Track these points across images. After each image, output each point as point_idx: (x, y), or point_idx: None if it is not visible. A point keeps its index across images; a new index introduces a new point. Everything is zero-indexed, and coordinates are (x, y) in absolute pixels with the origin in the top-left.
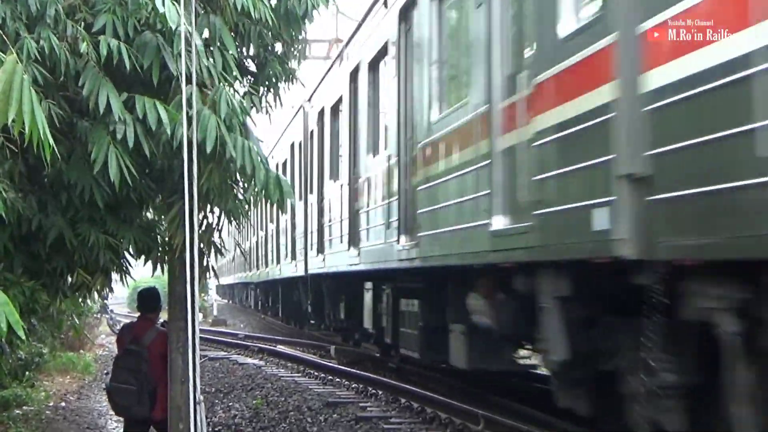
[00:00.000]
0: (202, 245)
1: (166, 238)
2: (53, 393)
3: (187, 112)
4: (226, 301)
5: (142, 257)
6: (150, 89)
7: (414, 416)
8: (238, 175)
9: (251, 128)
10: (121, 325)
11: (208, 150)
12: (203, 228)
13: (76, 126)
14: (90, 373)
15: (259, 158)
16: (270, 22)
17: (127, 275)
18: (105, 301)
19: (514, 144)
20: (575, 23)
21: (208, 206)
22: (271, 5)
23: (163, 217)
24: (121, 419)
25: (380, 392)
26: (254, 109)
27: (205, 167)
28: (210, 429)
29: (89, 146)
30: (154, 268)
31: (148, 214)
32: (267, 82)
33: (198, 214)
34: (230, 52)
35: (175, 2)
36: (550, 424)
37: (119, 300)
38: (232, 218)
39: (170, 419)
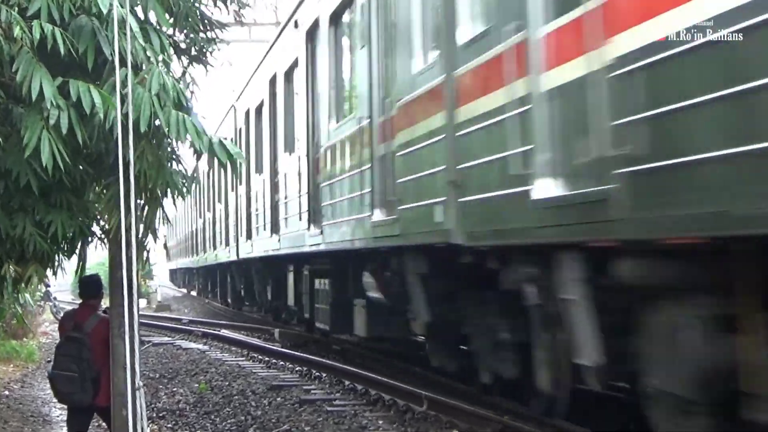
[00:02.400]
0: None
1: (101, 222)
2: None
3: (122, 94)
4: (180, 291)
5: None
6: (86, 73)
7: (358, 398)
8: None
9: (192, 105)
10: (64, 312)
11: (142, 129)
12: (142, 211)
13: (11, 112)
14: (33, 361)
15: (196, 128)
16: None
17: (59, 266)
18: (48, 288)
19: (384, 153)
20: (422, 64)
21: (146, 188)
22: None
23: (100, 199)
24: (65, 407)
25: (324, 375)
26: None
27: (137, 146)
28: (154, 414)
29: (22, 131)
30: (80, 259)
31: (89, 197)
32: (200, 56)
33: (135, 198)
34: (165, 30)
35: None
36: (493, 404)
37: (63, 287)
38: (174, 194)
39: (113, 406)
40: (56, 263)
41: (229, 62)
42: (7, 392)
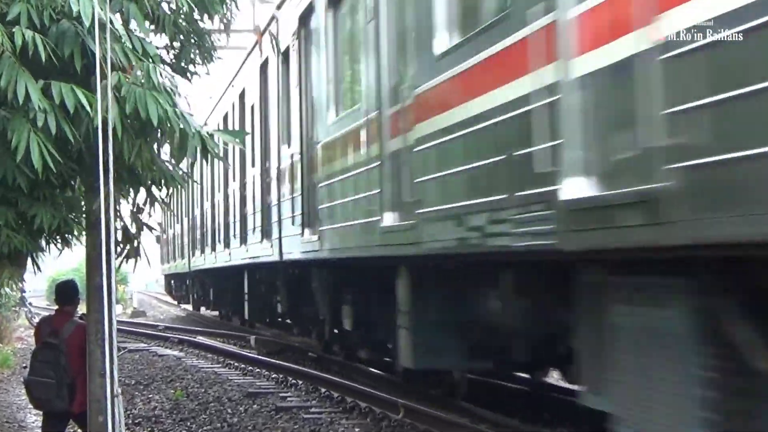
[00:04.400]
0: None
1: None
2: None
3: (105, 95)
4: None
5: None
6: (70, 77)
7: (334, 406)
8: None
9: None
10: (40, 318)
11: (155, 122)
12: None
13: None
14: (9, 367)
15: (187, 122)
16: (187, 8)
17: (35, 263)
18: (23, 294)
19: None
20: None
21: (139, 185)
22: None
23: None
24: (40, 413)
25: (300, 382)
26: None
27: (134, 144)
28: (130, 421)
29: (9, 134)
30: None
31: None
32: (186, 66)
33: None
34: (147, 40)
35: None
36: (470, 411)
37: (38, 293)
38: (170, 188)
39: (89, 412)
40: (34, 261)
41: (206, 72)
42: None
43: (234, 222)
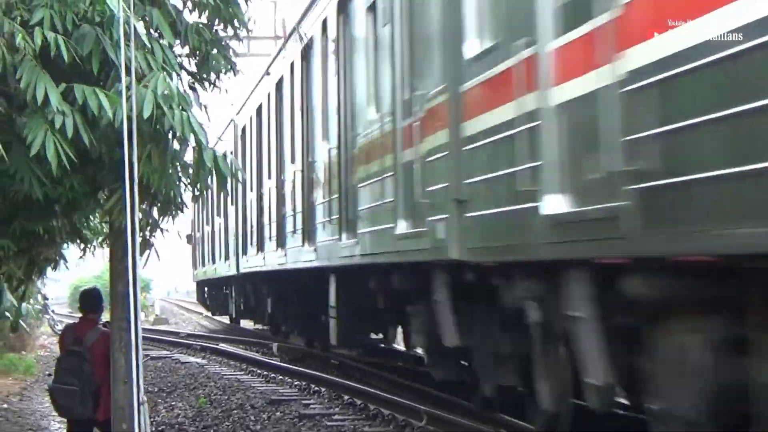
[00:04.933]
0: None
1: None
2: None
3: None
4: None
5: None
6: (88, 80)
7: (357, 413)
8: (181, 160)
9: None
10: (63, 325)
11: (145, 116)
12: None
13: (15, 122)
14: (32, 374)
15: (202, 132)
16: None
17: (56, 265)
18: (46, 301)
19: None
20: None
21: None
22: None
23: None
24: (64, 420)
25: (323, 389)
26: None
27: (144, 150)
28: (154, 428)
29: (25, 133)
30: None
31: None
32: (207, 76)
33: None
34: (169, 46)
35: None
36: (493, 419)
37: (60, 300)
38: (175, 204)
39: (113, 420)
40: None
41: (225, 90)
42: (6, 405)
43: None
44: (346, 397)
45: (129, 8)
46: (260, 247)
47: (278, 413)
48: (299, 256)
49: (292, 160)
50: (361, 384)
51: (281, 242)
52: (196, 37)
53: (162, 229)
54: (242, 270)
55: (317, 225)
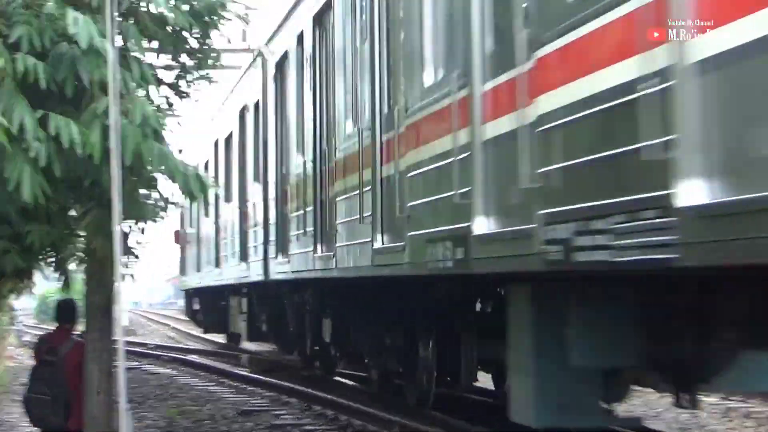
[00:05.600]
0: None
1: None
2: None
3: (105, 123)
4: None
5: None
6: (66, 101)
7: (328, 423)
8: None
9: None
10: (31, 336)
11: (128, 162)
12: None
13: None
14: (1, 386)
15: (175, 163)
16: (187, 25)
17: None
18: (14, 312)
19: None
20: None
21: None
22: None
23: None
24: (37, 430)
25: (294, 400)
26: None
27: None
28: None
29: (3, 164)
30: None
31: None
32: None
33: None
34: (145, 60)
35: (87, 19)
36: (465, 430)
37: (27, 311)
38: (145, 222)
39: (86, 430)
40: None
41: (196, 100)
42: None
43: None
44: (317, 408)
45: (105, 31)
46: (321, 243)
47: (249, 424)
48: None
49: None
50: (333, 395)
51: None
52: (174, 50)
53: (136, 255)
54: (275, 275)
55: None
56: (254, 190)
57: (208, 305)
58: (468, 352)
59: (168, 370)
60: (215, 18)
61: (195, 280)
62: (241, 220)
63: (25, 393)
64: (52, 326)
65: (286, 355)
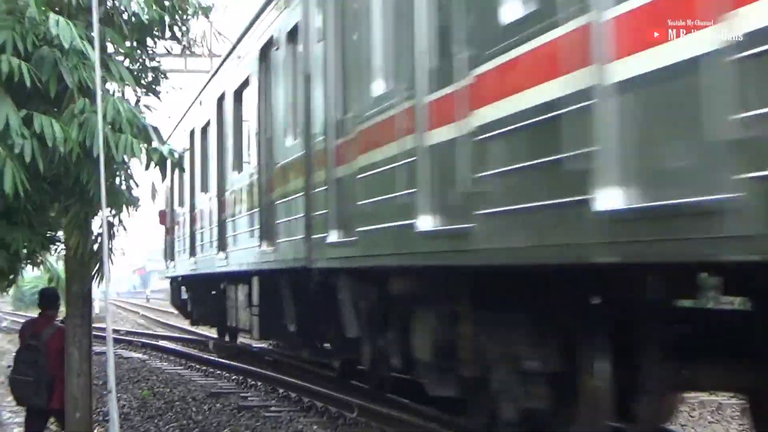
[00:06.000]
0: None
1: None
2: None
3: (80, 121)
4: None
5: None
6: (48, 101)
7: (292, 405)
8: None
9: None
10: (24, 321)
11: (95, 153)
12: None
13: None
14: None
15: (141, 148)
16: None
17: (16, 276)
18: None
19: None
20: None
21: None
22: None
23: (61, 217)
24: (15, 409)
25: (259, 383)
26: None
27: (91, 171)
28: (100, 418)
29: None
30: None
31: (49, 215)
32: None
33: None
34: (124, 62)
35: (68, 21)
36: (418, 411)
37: (3, 299)
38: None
39: (67, 409)
40: (15, 276)
41: (179, 87)
42: None
43: None
44: (281, 391)
45: (87, 35)
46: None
47: (218, 405)
48: None
49: None
50: (296, 378)
51: None
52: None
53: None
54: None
55: None
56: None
57: (198, 295)
58: None
59: (139, 355)
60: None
61: (186, 267)
62: (262, 190)
63: (10, 374)
64: (31, 314)
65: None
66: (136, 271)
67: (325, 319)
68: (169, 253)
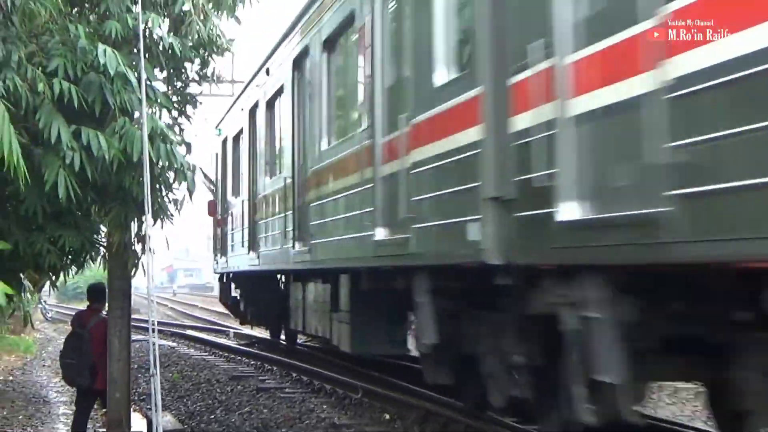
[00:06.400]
0: (135, 245)
1: (103, 240)
2: (1, 369)
3: (120, 134)
4: None
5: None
6: (93, 119)
7: (304, 387)
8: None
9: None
10: (75, 312)
11: (135, 159)
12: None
13: (32, 153)
14: (31, 353)
15: (180, 159)
16: (191, 55)
17: (67, 274)
18: (39, 294)
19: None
20: None
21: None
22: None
23: (104, 218)
24: (61, 390)
25: (275, 368)
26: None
27: (134, 177)
28: (136, 397)
29: (42, 169)
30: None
31: (93, 218)
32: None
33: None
34: (157, 88)
35: (114, 51)
36: (417, 393)
37: (46, 292)
38: (161, 217)
39: (108, 389)
40: (65, 274)
41: (205, 118)
42: (11, 378)
43: None
44: (294, 374)
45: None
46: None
47: (239, 387)
48: None
49: None
50: (307, 364)
51: None
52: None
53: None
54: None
55: None
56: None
57: (254, 294)
58: None
59: (169, 342)
60: (210, 48)
61: (244, 262)
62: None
63: (60, 358)
64: (75, 306)
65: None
66: (164, 269)
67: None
68: (220, 247)
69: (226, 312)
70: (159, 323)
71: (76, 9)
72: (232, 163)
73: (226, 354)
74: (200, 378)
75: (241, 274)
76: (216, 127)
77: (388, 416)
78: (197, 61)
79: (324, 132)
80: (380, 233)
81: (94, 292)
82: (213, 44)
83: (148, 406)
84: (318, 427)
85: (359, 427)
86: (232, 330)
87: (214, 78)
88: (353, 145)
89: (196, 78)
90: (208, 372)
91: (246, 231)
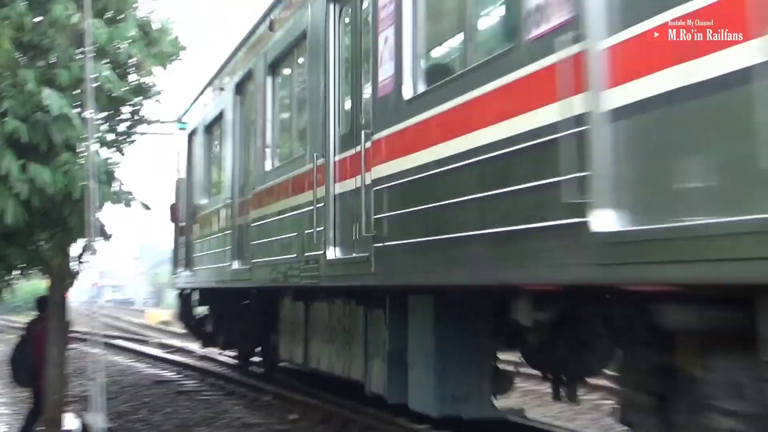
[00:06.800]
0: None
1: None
2: None
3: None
4: None
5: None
6: (39, 153)
7: (219, 390)
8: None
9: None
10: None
11: (76, 197)
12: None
13: None
14: None
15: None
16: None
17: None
18: None
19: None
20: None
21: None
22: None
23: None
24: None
25: (194, 373)
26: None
27: (73, 210)
28: (68, 399)
29: None
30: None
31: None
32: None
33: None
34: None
35: (60, 94)
36: (323, 397)
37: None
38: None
39: (47, 390)
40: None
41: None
42: None
43: None
44: (211, 379)
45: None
46: None
47: (162, 389)
48: None
49: None
50: (221, 369)
51: None
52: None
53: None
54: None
55: None
56: None
57: (225, 313)
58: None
59: (98, 350)
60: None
61: (223, 275)
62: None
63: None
64: (24, 318)
65: None
66: (94, 284)
67: None
68: (184, 258)
69: (150, 323)
70: (87, 333)
71: (26, 57)
72: (203, 156)
73: (150, 361)
74: (127, 382)
75: (214, 291)
76: (179, 119)
77: (295, 416)
78: (133, 102)
79: None
80: None
81: (40, 303)
82: (146, 92)
83: (80, 406)
84: (232, 426)
85: (269, 425)
86: (154, 340)
87: (145, 120)
88: None
89: (132, 119)
90: (133, 376)
91: (229, 238)
